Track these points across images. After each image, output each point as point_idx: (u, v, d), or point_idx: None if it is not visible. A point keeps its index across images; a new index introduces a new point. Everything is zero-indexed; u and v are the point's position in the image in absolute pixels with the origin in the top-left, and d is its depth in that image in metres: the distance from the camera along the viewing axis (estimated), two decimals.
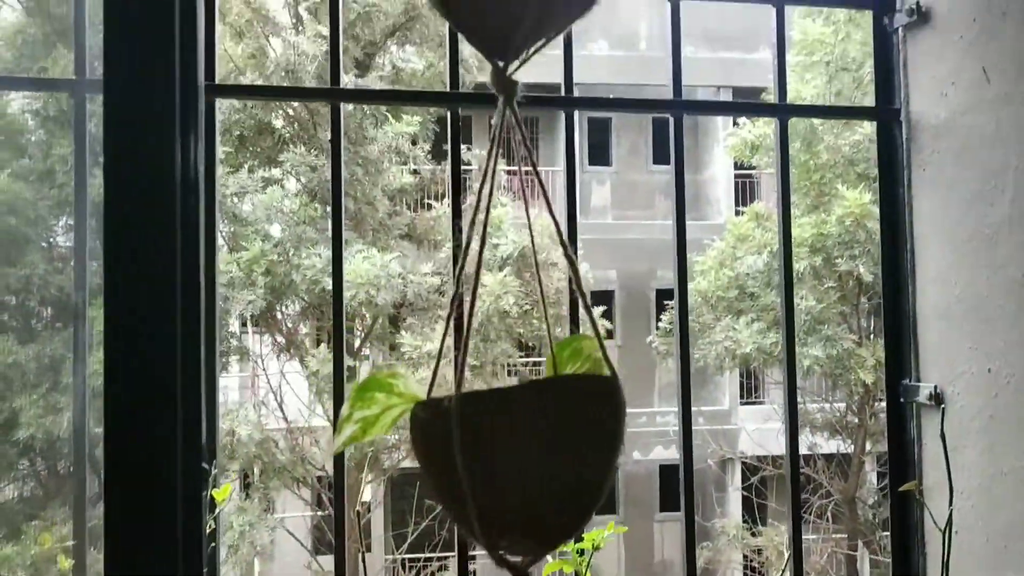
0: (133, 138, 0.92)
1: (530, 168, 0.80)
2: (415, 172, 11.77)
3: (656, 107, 1.79)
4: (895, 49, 1.67)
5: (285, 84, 9.66)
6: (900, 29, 1.66)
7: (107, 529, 0.89)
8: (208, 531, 1.38)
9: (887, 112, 1.68)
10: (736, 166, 16.65)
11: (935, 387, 1.57)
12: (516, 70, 0.74)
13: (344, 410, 0.74)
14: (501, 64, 0.74)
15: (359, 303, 9.93)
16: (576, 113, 1.54)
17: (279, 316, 10.89)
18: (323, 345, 10.72)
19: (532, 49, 0.74)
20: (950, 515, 1.40)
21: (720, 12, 16.35)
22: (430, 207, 12.18)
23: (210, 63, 1.40)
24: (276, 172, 10.35)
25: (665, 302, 14.20)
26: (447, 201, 12.21)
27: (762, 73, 12.58)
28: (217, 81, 1.34)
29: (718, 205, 18.22)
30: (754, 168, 14.99)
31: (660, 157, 18.58)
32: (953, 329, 1.56)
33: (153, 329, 0.88)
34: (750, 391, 16.85)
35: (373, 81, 10.79)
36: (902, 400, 1.64)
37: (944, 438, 1.42)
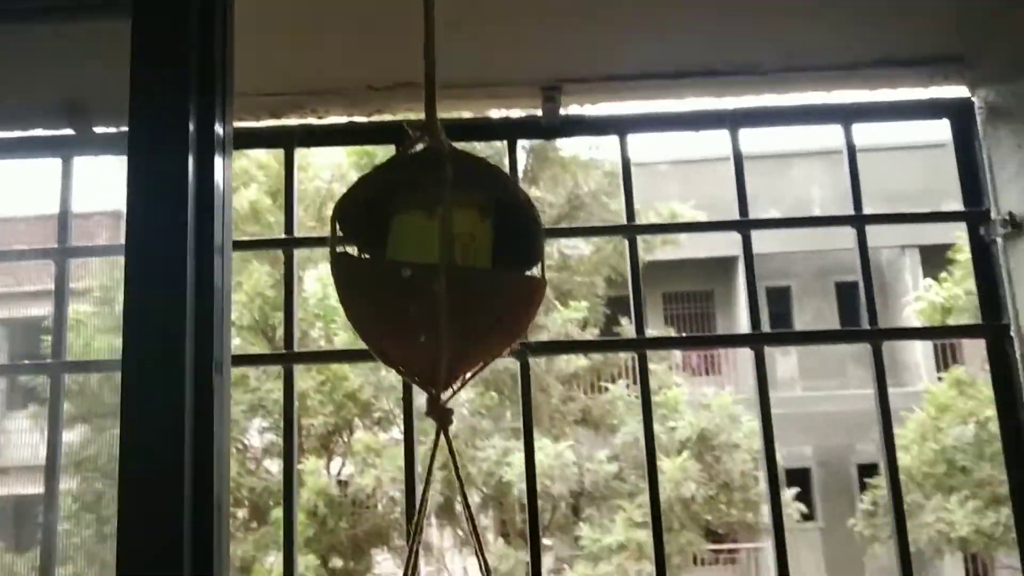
0: (142, 413, 0.96)
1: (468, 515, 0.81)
2: (587, 356, 11.84)
3: (736, 342, 1.76)
4: (995, 260, 1.58)
5: None
6: (998, 239, 1.58)
7: None
8: None
9: (995, 328, 1.57)
10: None
11: None
12: (450, 398, 0.77)
13: None
14: (433, 391, 0.78)
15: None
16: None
17: (458, 507, 10.96)
18: (501, 539, 10.64)
19: (466, 376, 0.78)
20: None
21: (901, 169, 15.75)
22: (605, 389, 12.13)
23: (288, 335, 1.52)
24: None
25: (866, 479, 13.25)
26: (623, 382, 12.16)
27: (948, 230, 12.06)
28: None
29: (916, 370, 17.16)
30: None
31: (848, 321, 17.80)
32: None
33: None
34: None
35: None
36: None
37: None
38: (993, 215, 1.59)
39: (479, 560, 1.00)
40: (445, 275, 0.87)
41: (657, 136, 1.69)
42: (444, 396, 0.85)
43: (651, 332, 12.84)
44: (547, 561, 11.90)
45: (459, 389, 0.88)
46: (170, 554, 0.85)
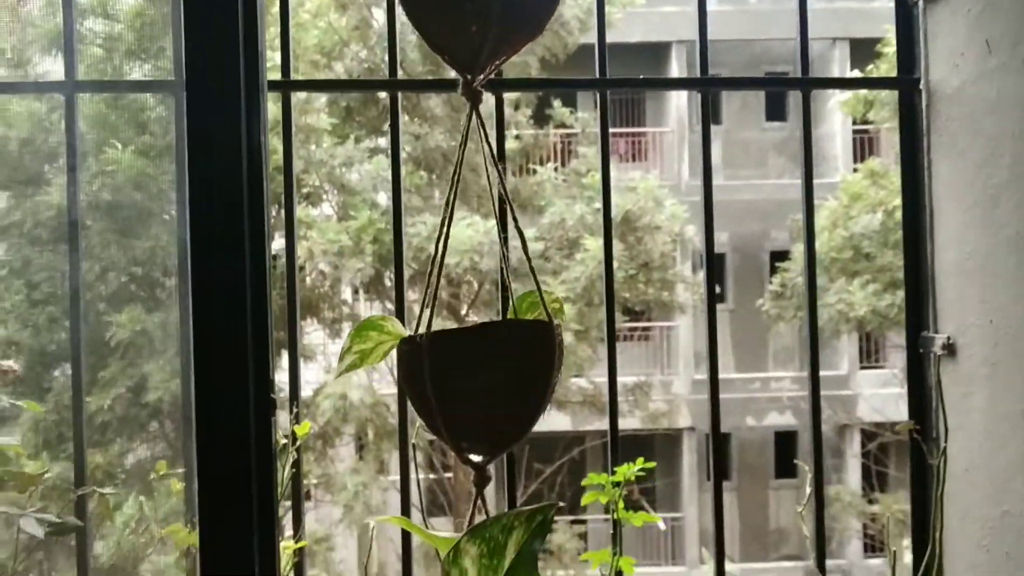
0: (206, 127, 1.13)
1: (496, 170, 1.01)
2: (517, 137, 11.95)
3: (684, 85, 1.94)
4: (916, 21, 1.78)
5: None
6: (920, 2, 1.77)
7: (198, 431, 1.13)
8: (292, 460, 1.65)
9: (907, 81, 1.79)
10: (854, 121, 15.98)
11: (948, 338, 1.69)
12: (481, 82, 0.95)
13: (345, 344, 0.98)
14: (469, 77, 0.96)
15: (464, 269, 10.24)
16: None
17: (388, 283, 11.30)
18: (427, 311, 11.10)
19: (494, 66, 0.95)
20: (943, 450, 1.55)
21: None
22: (534, 172, 12.35)
23: (285, 63, 1.66)
24: (382, 142, 10.70)
25: (777, 264, 13.99)
26: (551, 164, 12.39)
27: (879, 23, 12.12)
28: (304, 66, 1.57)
29: (835, 163, 17.73)
30: (871, 123, 14.48)
31: (773, 114, 18.05)
32: (965, 284, 1.68)
33: (228, 285, 1.12)
34: (869, 355, 16.36)
35: None
36: (921, 351, 1.77)
37: (940, 385, 1.56)
38: None
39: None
40: None
41: None
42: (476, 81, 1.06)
43: (582, 114, 12.94)
44: None
45: (487, 76, 1.08)
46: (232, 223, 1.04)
